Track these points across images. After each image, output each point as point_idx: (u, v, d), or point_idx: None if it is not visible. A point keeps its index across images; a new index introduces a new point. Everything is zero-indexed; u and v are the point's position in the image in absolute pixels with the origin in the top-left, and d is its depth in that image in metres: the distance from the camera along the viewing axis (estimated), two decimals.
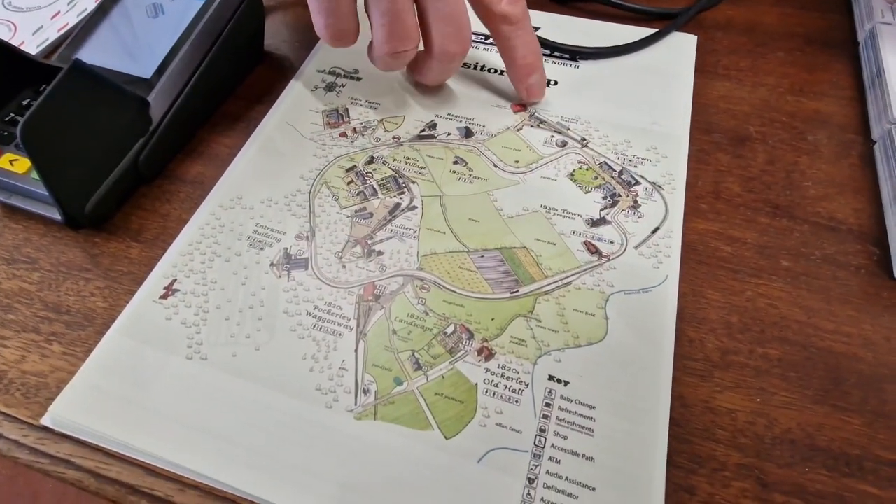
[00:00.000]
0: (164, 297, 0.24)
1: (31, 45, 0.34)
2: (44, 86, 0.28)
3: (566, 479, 0.19)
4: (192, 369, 0.22)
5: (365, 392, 0.21)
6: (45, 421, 0.21)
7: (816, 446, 0.20)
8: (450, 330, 0.23)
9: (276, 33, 0.35)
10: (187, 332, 0.23)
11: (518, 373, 0.22)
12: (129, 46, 0.30)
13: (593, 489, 0.19)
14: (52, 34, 0.35)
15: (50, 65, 0.28)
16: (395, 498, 0.19)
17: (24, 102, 0.28)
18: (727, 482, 0.19)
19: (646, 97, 0.31)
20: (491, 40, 0.34)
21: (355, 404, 0.21)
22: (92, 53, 0.30)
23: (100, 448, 0.20)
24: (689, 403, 0.21)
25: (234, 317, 0.23)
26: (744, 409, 0.21)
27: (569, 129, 0.30)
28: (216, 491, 0.19)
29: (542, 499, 0.19)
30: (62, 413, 0.21)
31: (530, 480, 0.19)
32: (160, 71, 0.29)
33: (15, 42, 0.34)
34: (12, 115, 0.28)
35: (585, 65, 0.33)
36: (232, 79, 0.32)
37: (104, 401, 0.21)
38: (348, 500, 0.19)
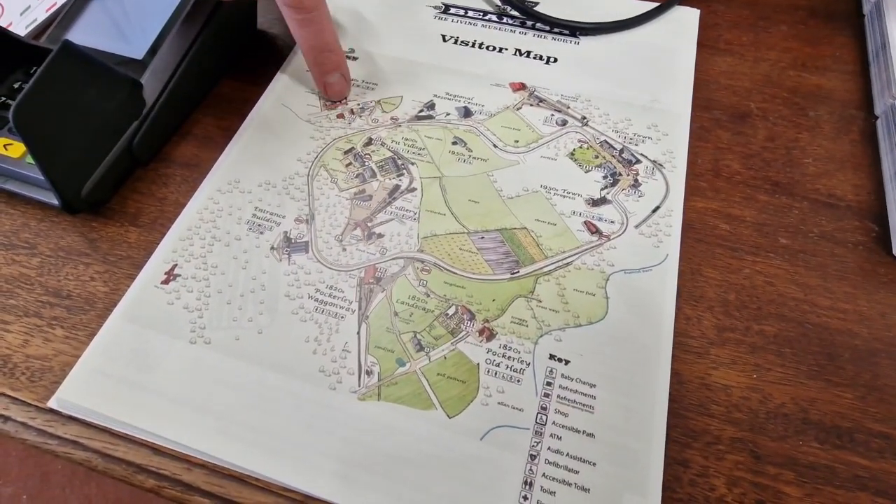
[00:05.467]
0: (166, 282, 0.24)
1: (20, 27, 0.33)
2: (34, 68, 0.28)
3: (567, 454, 0.20)
4: (195, 353, 0.22)
5: (368, 373, 0.21)
6: (52, 404, 0.21)
7: (809, 420, 0.21)
8: (451, 311, 0.23)
9: (268, 11, 0.34)
10: (189, 317, 0.23)
11: (519, 352, 0.22)
12: (120, 26, 0.29)
13: (594, 464, 0.20)
14: (40, 14, 0.34)
15: (40, 46, 0.27)
16: (398, 476, 0.19)
17: (16, 86, 0.28)
18: (721, 455, 0.20)
19: (647, 73, 0.30)
20: (489, 17, 0.34)
21: (359, 385, 0.21)
22: (82, 34, 0.29)
23: (106, 429, 0.21)
24: (685, 380, 0.21)
25: (236, 301, 0.23)
26: (739, 385, 0.21)
27: (569, 107, 0.29)
28: (223, 469, 0.20)
29: (543, 474, 0.19)
30: (68, 397, 0.21)
31: (532, 457, 0.20)
32: (152, 51, 0.28)
33: (2, 23, 0.33)
34: (3, 98, 0.27)
35: (586, 41, 0.32)
36: (225, 59, 0.31)
37: (109, 384, 0.21)
38: (352, 478, 0.19)
